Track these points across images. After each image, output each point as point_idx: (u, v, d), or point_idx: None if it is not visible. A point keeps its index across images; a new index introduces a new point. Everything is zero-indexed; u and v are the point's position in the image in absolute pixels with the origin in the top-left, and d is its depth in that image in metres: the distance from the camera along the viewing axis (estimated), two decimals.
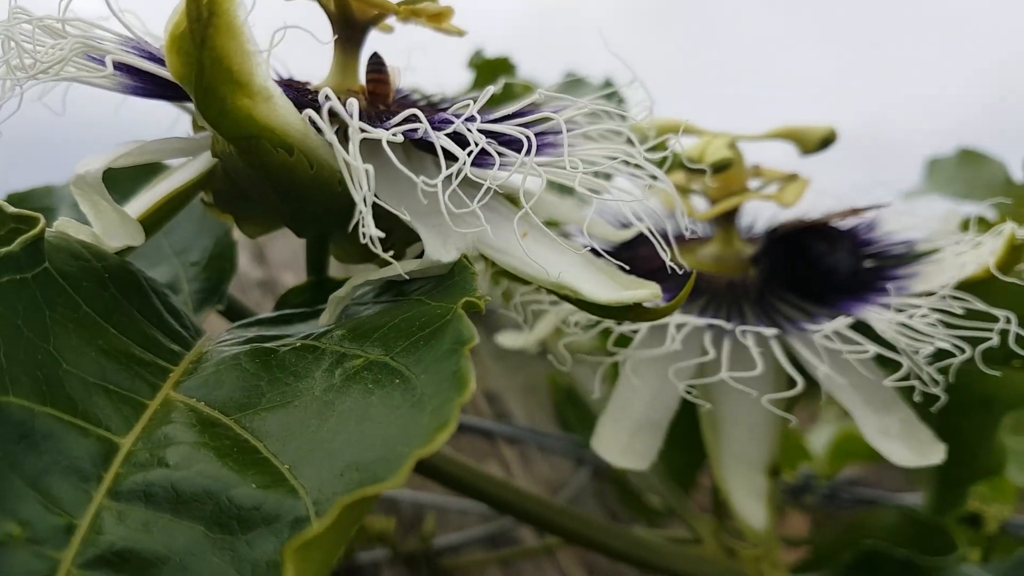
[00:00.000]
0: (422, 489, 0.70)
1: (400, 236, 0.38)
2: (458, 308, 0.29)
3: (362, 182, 0.28)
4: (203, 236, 0.47)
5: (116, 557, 0.24)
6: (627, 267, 0.36)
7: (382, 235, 0.28)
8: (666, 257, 0.35)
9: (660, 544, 0.54)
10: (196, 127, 0.40)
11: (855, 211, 0.50)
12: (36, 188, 0.47)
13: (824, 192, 0.56)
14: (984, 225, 0.50)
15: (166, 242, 0.47)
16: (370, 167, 0.28)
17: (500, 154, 0.32)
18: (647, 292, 0.34)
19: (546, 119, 0.35)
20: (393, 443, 0.25)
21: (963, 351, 0.41)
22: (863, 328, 0.43)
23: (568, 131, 0.38)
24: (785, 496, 0.90)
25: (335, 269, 0.44)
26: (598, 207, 0.57)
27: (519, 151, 0.32)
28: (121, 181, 0.44)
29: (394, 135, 0.30)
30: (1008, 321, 0.41)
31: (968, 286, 0.43)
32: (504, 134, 0.33)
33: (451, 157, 0.31)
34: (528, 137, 0.32)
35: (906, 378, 0.42)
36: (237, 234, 0.44)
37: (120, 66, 0.34)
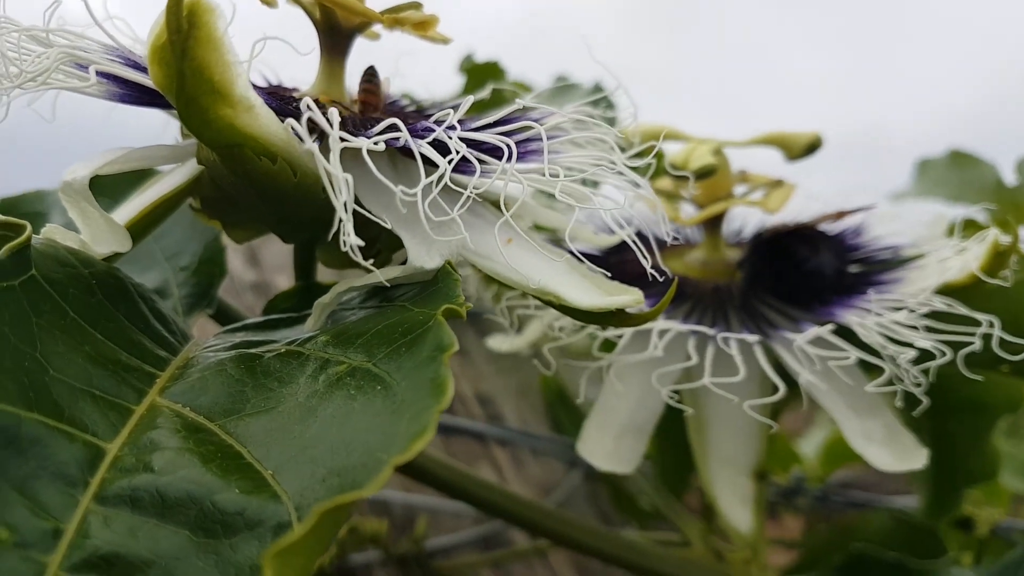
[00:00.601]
0: (414, 491, 0.71)
1: (387, 242, 0.39)
2: (438, 315, 0.29)
3: (341, 190, 0.29)
4: (193, 241, 0.47)
5: (102, 561, 0.24)
6: (616, 272, 0.36)
7: (362, 243, 0.29)
8: (647, 263, 0.35)
9: (648, 547, 0.54)
10: (184, 134, 0.40)
11: (841, 214, 0.50)
12: (27, 193, 0.48)
13: (813, 197, 0.57)
14: (972, 228, 0.50)
15: (157, 247, 0.47)
16: (349, 176, 0.29)
17: (482, 161, 0.33)
18: (629, 298, 0.35)
19: (527, 127, 0.35)
20: (373, 449, 0.26)
21: (946, 355, 0.41)
22: (848, 333, 0.43)
23: (553, 138, 0.38)
24: (778, 499, 0.90)
25: (328, 274, 0.44)
26: (588, 213, 0.58)
27: (502, 158, 0.32)
28: (110, 187, 0.44)
29: (375, 144, 0.30)
30: (991, 325, 0.42)
31: (953, 291, 0.44)
32: (486, 142, 0.34)
33: (434, 165, 0.31)
34: (509, 145, 0.32)
35: (890, 383, 0.42)
36: (233, 241, 0.45)
37: (107, 75, 0.34)
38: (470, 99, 0.33)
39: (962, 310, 0.42)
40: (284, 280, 0.81)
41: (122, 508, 0.25)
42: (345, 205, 0.29)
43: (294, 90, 0.42)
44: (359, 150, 0.30)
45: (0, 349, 0.27)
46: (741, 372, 0.41)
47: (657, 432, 0.73)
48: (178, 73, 0.28)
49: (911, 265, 0.47)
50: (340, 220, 0.29)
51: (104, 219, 0.34)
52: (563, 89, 0.68)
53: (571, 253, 0.37)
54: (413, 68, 0.51)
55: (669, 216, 0.53)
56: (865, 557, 0.56)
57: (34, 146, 0.47)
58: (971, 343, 0.42)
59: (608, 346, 0.47)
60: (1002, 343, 0.42)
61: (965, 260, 0.44)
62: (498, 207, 0.40)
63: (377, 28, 0.42)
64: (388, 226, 0.32)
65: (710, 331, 0.43)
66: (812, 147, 0.50)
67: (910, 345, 0.41)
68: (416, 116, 0.44)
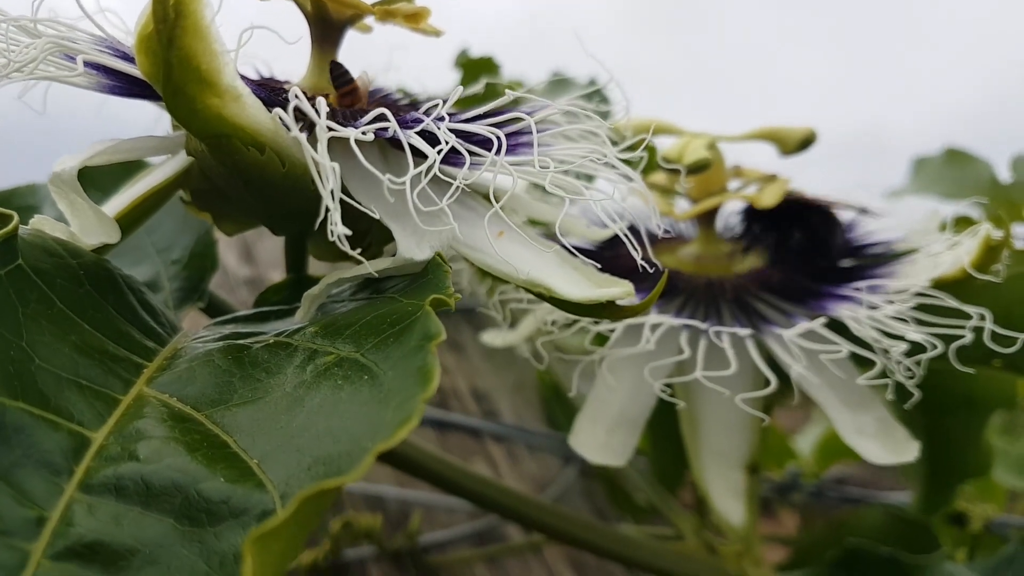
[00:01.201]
0: (409, 486, 0.71)
1: (378, 236, 0.39)
2: (426, 305, 0.29)
3: (328, 178, 0.29)
4: (185, 234, 0.47)
5: (86, 549, 0.24)
6: (610, 267, 0.36)
7: (349, 232, 0.29)
8: (638, 256, 0.35)
9: (642, 541, 0.54)
10: (174, 126, 0.40)
11: (831, 203, 0.50)
12: (19, 187, 0.48)
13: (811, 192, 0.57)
14: (965, 224, 0.50)
15: (148, 240, 0.47)
16: (336, 164, 0.29)
17: (471, 153, 0.33)
18: (619, 290, 0.35)
19: (518, 119, 0.35)
20: (359, 438, 0.26)
21: (938, 348, 0.41)
22: (840, 327, 0.43)
23: (544, 131, 0.38)
24: (773, 494, 0.90)
25: (321, 268, 0.44)
26: (584, 209, 0.58)
27: (492, 150, 0.32)
28: (102, 179, 0.44)
29: (364, 133, 0.30)
30: (982, 318, 0.42)
31: (945, 286, 0.44)
32: (477, 134, 0.34)
33: (424, 156, 0.31)
34: (498, 136, 0.32)
35: (882, 376, 0.42)
36: (224, 233, 0.45)
37: (96, 66, 0.34)
38: (459, 90, 0.33)
39: (953, 303, 0.42)
40: (279, 276, 0.81)
41: (107, 496, 0.25)
42: (332, 193, 0.29)
43: (286, 83, 0.42)
44: (348, 142, 0.30)
45: None
46: (733, 366, 0.41)
47: (652, 428, 0.73)
48: (165, 62, 0.28)
49: (903, 260, 0.47)
50: (326, 209, 0.29)
51: (93, 210, 0.34)
52: (558, 85, 0.68)
53: (562, 246, 0.37)
54: (411, 64, 0.51)
55: (663, 211, 0.53)
56: (859, 552, 0.56)
57: (28, 141, 0.47)
58: (962, 335, 0.42)
59: (601, 340, 0.47)
60: (994, 336, 0.42)
61: (957, 255, 0.44)
62: (489, 200, 0.40)
63: (369, 21, 0.42)
64: (376, 216, 0.32)
65: (702, 325, 0.43)
66: (806, 142, 0.50)
67: (901, 338, 0.41)
68: (409, 109, 0.44)
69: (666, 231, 0.61)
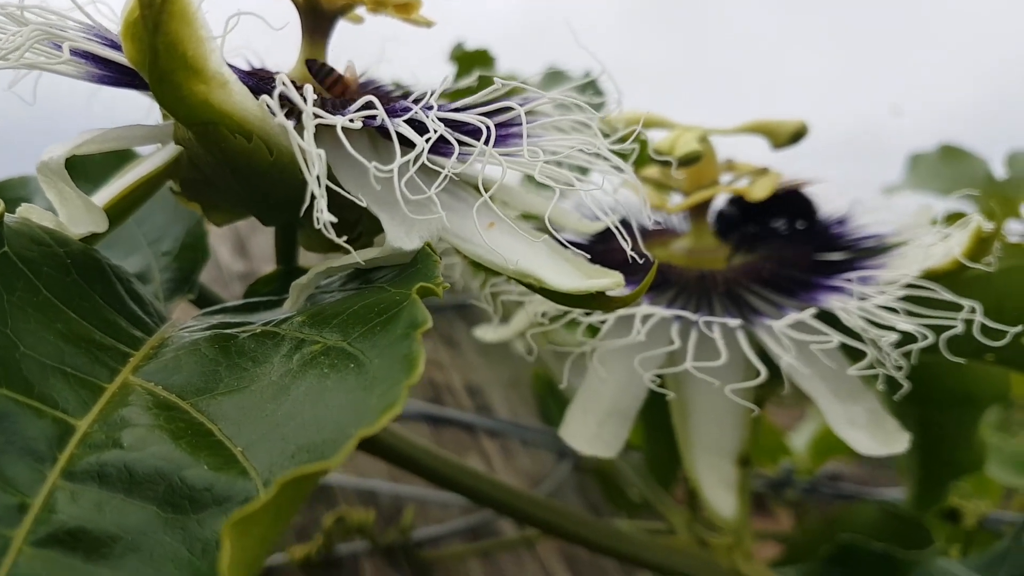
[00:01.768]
0: (402, 481, 0.71)
1: (369, 227, 0.38)
2: (413, 293, 0.29)
3: (314, 164, 0.28)
4: (175, 225, 0.47)
5: (68, 536, 0.24)
6: (602, 260, 0.36)
7: (335, 220, 0.29)
8: (628, 248, 0.35)
9: (634, 535, 0.54)
10: (164, 115, 0.40)
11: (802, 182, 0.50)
12: (11, 179, 0.47)
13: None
14: (958, 219, 0.50)
15: (139, 232, 0.47)
16: (322, 151, 0.29)
17: (462, 143, 0.33)
18: (609, 280, 0.34)
19: (508, 108, 0.35)
20: (344, 426, 0.26)
21: (928, 339, 0.41)
22: (831, 319, 0.43)
23: (535, 122, 0.38)
24: (767, 490, 0.90)
25: (312, 259, 0.44)
26: (576, 202, 0.58)
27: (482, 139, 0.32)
28: (93, 169, 0.44)
29: (351, 121, 0.30)
30: (973, 311, 0.42)
31: (936, 278, 0.44)
32: (467, 123, 0.33)
33: (412, 145, 0.31)
34: (487, 125, 0.32)
35: (872, 368, 0.42)
36: (213, 223, 0.45)
37: (86, 54, 0.34)
38: (448, 78, 0.33)
39: (944, 295, 0.42)
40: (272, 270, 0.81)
41: (90, 484, 0.25)
42: (318, 179, 0.29)
43: (276, 73, 0.41)
44: (336, 131, 0.30)
45: None
46: (723, 356, 0.41)
47: (646, 423, 0.73)
48: (151, 48, 0.28)
49: (894, 252, 0.47)
50: (311, 195, 0.29)
51: (81, 199, 0.34)
52: (553, 78, 0.68)
53: (553, 237, 0.37)
54: (407, 58, 0.50)
55: (657, 205, 0.53)
56: (853, 548, 0.56)
57: (19, 133, 0.47)
58: (954, 326, 0.42)
59: (593, 332, 0.47)
60: (985, 330, 0.42)
61: (948, 246, 0.44)
62: (479, 190, 0.40)
63: (360, 11, 0.42)
64: (364, 204, 0.31)
65: (693, 316, 0.43)
66: (798, 135, 0.50)
67: (892, 328, 0.41)
68: (400, 99, 0.43)
69: (658, 224, 0.61)
